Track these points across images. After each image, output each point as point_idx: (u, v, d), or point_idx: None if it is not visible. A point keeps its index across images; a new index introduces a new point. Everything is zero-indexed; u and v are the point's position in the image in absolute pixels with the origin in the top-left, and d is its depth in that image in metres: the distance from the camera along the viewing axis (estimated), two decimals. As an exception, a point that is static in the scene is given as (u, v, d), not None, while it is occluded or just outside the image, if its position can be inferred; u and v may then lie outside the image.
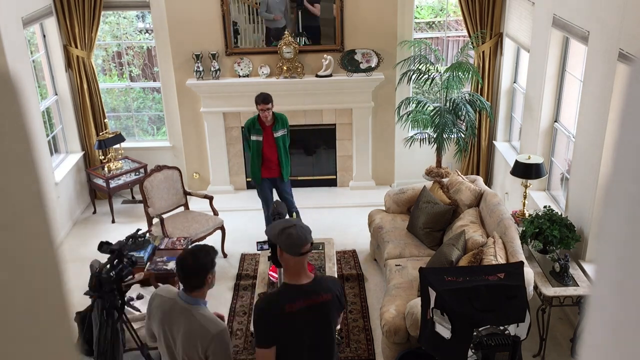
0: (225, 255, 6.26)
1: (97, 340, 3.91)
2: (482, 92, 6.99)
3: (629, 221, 0.46)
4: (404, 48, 6.93)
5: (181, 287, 3.03)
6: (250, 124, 5.77)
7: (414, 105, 7.01)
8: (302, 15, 6.96)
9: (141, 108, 9.08)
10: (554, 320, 4.91)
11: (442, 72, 6.83)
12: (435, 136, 6.84)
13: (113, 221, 7.04)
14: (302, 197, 7.33)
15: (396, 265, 5.16)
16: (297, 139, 7.51)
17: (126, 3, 7.10)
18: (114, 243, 3.99)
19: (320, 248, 5.70)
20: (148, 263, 5.23)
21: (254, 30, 7.03)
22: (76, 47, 6.88)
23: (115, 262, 3.89)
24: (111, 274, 3.86)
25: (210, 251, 3.02)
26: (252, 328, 4.64)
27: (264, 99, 5.55)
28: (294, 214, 6.05)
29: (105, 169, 7.13)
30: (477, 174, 7.26)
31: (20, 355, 0.50)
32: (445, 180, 6.02)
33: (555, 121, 5.68)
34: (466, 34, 7.00)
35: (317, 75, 7.02)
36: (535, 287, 4.55)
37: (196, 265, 2.93)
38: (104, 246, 3.93)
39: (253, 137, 5.77)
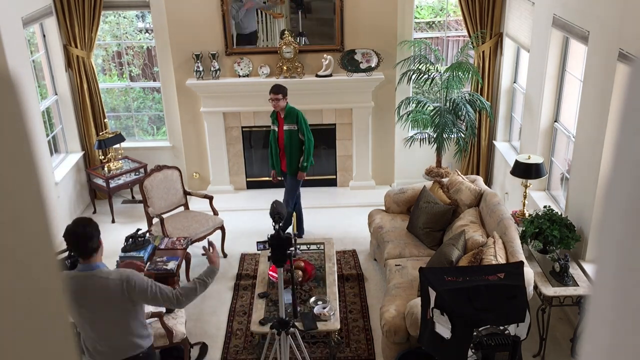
0: (225, 255, 6.27)
1: None
2: (482, 92, 6.99)
3: (629, 221, 0.46)
4: (404, 48, 6.94)
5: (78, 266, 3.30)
6: (273, 113, 6.13)
7: (414, 105, 7.01)
8: (302, 16, 6.96)
9: (141, 108, 9.08)
10: (554, 320, 4.91)
11: (442, 72, 6.83)
12: (435, 136, 6.84)
13: (113, 221, 7.04)
14: (302, 197, 7.33)
15: (396, 265, 5.16)
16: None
17: (126, 3, 7.09)
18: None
19: (320, 248, 5.70)
20: (148, 263, 5.23)
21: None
22: (76, 47, 6.88)
23: (71, 253, 4.06)
24: (67, 262, 4.01)
25: (90, 221, 3.31)
26: (252, 328, 4.65)
27: (272, 89, 5.90)
28: (294, 214, 6.04)
29: (105, 168, 7.13)
30: (477, 173, 7.26)
31: (20, 356, 0.50)
32: (445, 180, 6.02)
33: (555, 121, 5.68)
34: (466, 33, 7.00)
35: (317, 75, 7.02)
36: (535, 287, 4.55)
37: (88, 230, 3.21)
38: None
39: (272, 127, 6.16)
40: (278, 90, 5.86)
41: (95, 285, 3.21)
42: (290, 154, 6.04)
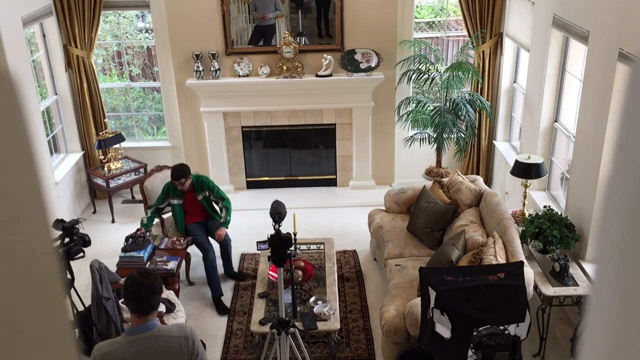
0: (225, 255, 6.26)
1: None
2: (482, 92, 6.99)
3: (629, 221, 0.46)
4: (404, 48, 6.93)
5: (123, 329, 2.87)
6: (168, 187, 5.66)
7: (414, 105, 7.01)
8: (302, 16, 6.96)
9: (141, 108, 9.08)
10: (554, 320, 4.91)
11: (442, 72, 6.83)
12: (435, 136, 6.84)
13: (113, 221, 7.04)
14: (301, 197, 7.34)
15: (396, 265, 5.16)
16: (297, 138, 7.53)
17: (126, 3, 7.09)
18: (67, 221, 4.12)
19: (320, 248, 5.70)
20: (148, 263, 5.23)
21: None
22: (76, 46, 6.88)
23: (65, 240, 3.98)
24: (60, 250, 3.96)
25: (157, 275, 2.92)
26: (252, 328, 4.65)
27: (175, 176, 5.46)
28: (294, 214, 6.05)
29: (105, 168, 7.13)
30: (477, 173, 7.26)
31: (20, 356, 0.50)
32: (445, 180, 6.02)
33: (555, 121, 5.68)
34: (466, 33, 7.00)
35: (317, 75, 7.02)
36: (535, 287, 4.55)
37: (153, 286, 2.81)
38: (59, 223, 4.04)
39: (174, 201, 5.68)
40: (180, 176, 5.44)
41: (157, 347, 2.75)
42: (214, 214, 5.77)
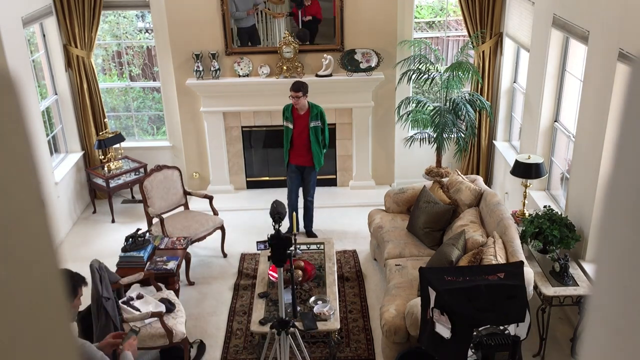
0: (225, 255, 6.27)
1: None
2: (482, 92, 6.99)
3: (629, 221, 0.46)
4: (404, 48, 6.93)
5: None
6: (285, 109, 6.14)
7: (414, 105, 7.01)
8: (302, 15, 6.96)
9: (141, 108, 9.08)
10: (554, 320, 4.91)
11: (442, 71, 6.84)
12: (435, 136, 6.85)
13: (113, 221, 7.04)
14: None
15: (396, 265, 5.16)
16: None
17: (126, 3, 7.09)
18: None
19: (320, 248, 5.70)
20: (148, 263, 5.23)
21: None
22: (76, 46, 6.88)
23: None
24: None
25: (73, 278, 2.86)
26: (252, 328, 4.65)
27: (293, 86, 5.91)
28: (294, 214, 6.04)
29: (105, 168, 7.13)
30: (477, 173, 7.26)
31: (20, 356, 0.50)
32: (445, 180, 6.02)
33: (555, 121, 5.68)
34: (466, 33, 7.00)
35: (317, 75, 7.02)
36: (535, 287, 4.55)
37: None
38: None
39: (285, 123, 6.14)
40: (299, 88, 5.87)
41: None
42: (316, 149, 6.10)
